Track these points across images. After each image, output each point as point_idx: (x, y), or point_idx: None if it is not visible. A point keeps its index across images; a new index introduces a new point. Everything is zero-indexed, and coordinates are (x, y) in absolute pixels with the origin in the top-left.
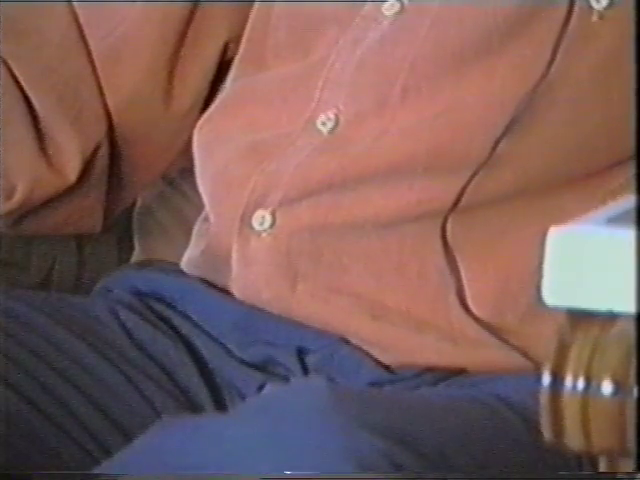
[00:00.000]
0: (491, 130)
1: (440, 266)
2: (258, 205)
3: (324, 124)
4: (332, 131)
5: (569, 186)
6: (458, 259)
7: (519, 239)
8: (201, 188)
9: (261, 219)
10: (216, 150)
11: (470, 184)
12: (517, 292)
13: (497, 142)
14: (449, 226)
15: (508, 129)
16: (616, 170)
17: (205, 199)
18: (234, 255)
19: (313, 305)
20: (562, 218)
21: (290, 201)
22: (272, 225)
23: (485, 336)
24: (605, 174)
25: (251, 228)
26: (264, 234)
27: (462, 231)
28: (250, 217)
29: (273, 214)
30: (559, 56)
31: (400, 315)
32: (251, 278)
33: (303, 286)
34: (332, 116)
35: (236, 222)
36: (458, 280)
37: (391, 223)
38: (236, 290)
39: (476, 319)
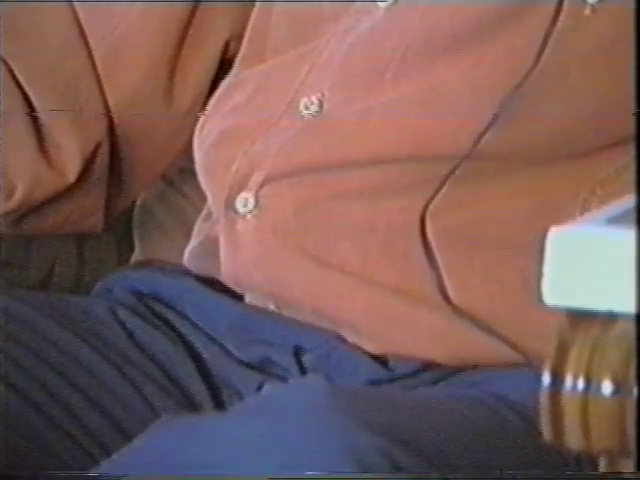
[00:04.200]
0: (479, 119)
1: (422, 255)
2: (241, 187)
3: (307, 107)
4: (315, 115)
5: (557, 176)
6: (437, 253)
7: (508, 231)
8: (200, 182)
9: (244, 201)
10: (206, 141)
11: (454, 174)
12: (509, 288)
13: (484, 132)
14: (429, 215)
15: (496, 119)
16: (604, 161)
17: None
18: (221, 240)
19: (304, 285)
20: (551, 209)
21: (272, 182)
22: (256, 206)
23: (472, 326)
24: (593, 165)
25: (235, 211)
26: (249, 216)
27: (445, 220)
28: (234, 200)
29: (256, 195)
30: (549, 48)
31: (390, 290)
32: (240, 262)
33: (292, 266)
34: (315, 100)
35: (222, 206)
36: (438, 274)
37: (375, 196)
38: (226, 275)
39: (459, 310)
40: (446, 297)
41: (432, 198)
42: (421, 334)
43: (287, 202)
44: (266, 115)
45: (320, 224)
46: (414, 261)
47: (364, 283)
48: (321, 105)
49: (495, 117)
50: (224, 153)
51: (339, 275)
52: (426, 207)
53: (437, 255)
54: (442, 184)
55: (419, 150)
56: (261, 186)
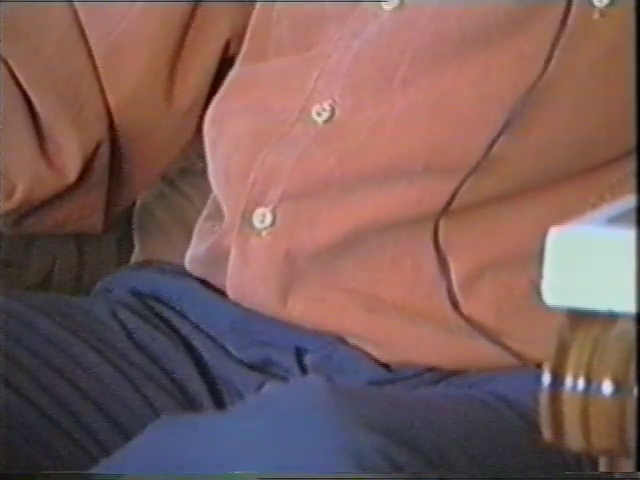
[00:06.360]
0: (490, 127)
1: (433, 265)
2: (259, 203)
3: (319, 114)
4: (328, 121)
5: (567, 183)
6: (450, 260)
7: (516, 238)
8: (212, 186)
9: (261, 217)
10: (219, 145)
11: (467, 182)
12: (517, 294)
13: (495, 140)
14: (441, 226)
15: (507, 126)
16: (614, 166)
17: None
18: (232, 252)
19: (308, 305)
20: (560, 214)
21: (290, 199)
22: (272, 224)
23: (479, 336)
24: (603, 170)
25: (251, 226)
26: (264, 232)
27: (455, 232)
28: (251, 215)
29: (274, 212)
30: (558, 53)
31: (395, 309)
32: (247, 276)
33: (299, 286)
34: (327, 107)
35: (237, 219)
36: (449, 282)
37: (390, 223)
38: (231, 288)
39: (469, 320)
40: (455, 304)
41: (445, 208)
42: (424, 346)
43: (304, 225)
44: (279, 119)
45: (333, 248)
46: (423, 274)
47: (369, 300)
48: (333, 111)
49: (506, 124)
50: (239, 161)
51: (344, 293)
52: (439, 217)
53: (449, 263)
54: (455, 193)
55: (432, 160)
56: (279, 202)
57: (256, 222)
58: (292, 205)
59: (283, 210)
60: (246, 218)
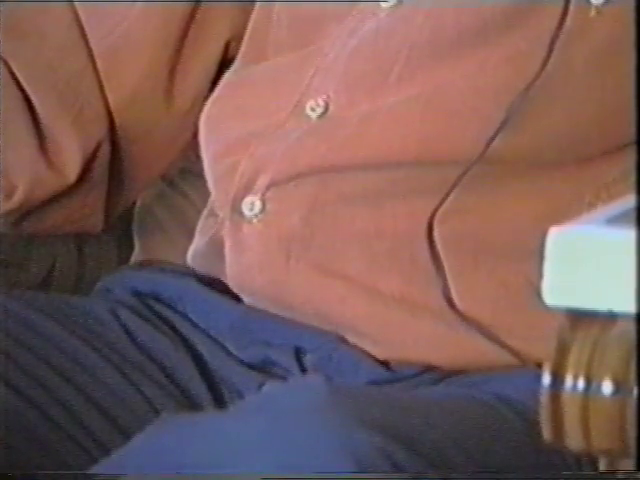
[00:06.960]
0: (485, 123)
1: (427, 259)
2: (247, 191)
3: (313, 110)
4: (321, 117)
5: (562, 180)
6: (444, 255)
7: (512, 234)
8: (208, 183)
9: (250, 205)
10: (211, 142)
11: (462, 179)
12: (513, 291)
13: (492, 138)
14: (436, 225)
15: (504, 125)
16: (609, 164)
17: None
18: (227, 242)
19: (307, 290)
20: (556, 212)
21: (278, 185)
22: (262, 210)
23: (476, 332)
24: (598, 168)
25: (241, 215)
26: (255, 220)
27: (450, 226)
28: (240, 203)
29: (262, 199)
30: (555, 51)
31: (394, 300)
32: (244, 264)
33: (296, 270)
34: (322, 102)
35: (227, 209)
36: (444, 277)
37: (381, 200)
38: (230, 278)
39: (464, 316)
40: (450, 302)
41: (440, 203)
42: (423, 341)
43: (293, 207)
44: (272, 117)
45: (326, 230)
46: (420, 267)
47: (368, 290)
48: (327, 107)
49: (505, 121)
50: (231, 159)
51: (343, 281)
52: (434, 212)
53: (443, 259)
54: (450, 189)
55: (424, 154)
56: (267, 189)
57: (245, 210)
58: (280, 191)
59: (272, 196)
60: (236, 207)
